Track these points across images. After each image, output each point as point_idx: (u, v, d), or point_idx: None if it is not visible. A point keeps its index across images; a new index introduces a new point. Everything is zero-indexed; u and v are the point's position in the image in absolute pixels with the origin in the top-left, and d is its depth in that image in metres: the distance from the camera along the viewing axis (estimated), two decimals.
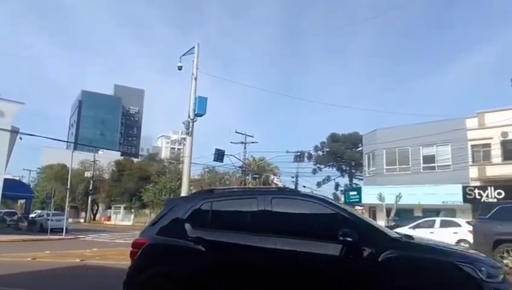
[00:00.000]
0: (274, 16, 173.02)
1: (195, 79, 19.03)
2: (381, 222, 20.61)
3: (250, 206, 4.51)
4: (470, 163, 25.56)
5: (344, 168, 55.49)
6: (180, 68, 19.17)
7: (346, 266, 4.00)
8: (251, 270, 4.26)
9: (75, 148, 58.76)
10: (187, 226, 4.59)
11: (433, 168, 27.31)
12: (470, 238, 13.86)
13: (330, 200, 4.81)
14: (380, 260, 3.86)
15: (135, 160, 62.22)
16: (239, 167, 41.52)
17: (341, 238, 3.93)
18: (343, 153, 52.22)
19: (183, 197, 5.25)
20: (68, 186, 28.59)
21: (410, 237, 4.48)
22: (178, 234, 4.57)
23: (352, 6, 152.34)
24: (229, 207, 4.75)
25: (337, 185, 57.84)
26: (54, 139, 73.27)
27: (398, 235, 4.29)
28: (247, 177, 41.37)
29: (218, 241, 4.41)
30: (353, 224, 4.12)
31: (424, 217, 20.80)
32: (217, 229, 4.52)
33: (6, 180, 23.12)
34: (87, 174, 56.09)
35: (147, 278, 4.47)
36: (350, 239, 3.92)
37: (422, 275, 3.79)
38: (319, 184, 55.58)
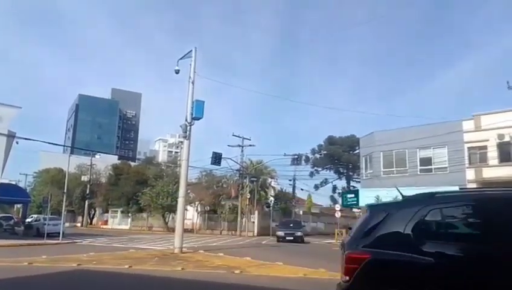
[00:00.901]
0: (272, 20, 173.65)
1: (193, 83, 19.07)
2: None
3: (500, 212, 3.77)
4: (467, 165, 25.67)
5: (341, 171, 55.66)
6: (177, 72, 19.17)
7: None
8: None
9: (72, 152, 58.65)
10: (415, 238, 3.84)
11: (430, 170, 27.41)
12: None
13: None
14: None
15: (132, 164, 62.00)
16: (236, 170, 41.60)
17: None
18: (341, 155, 52.39)
19: (396, 202, 4.53)
20: (65, 191, 28.33)
21: None
22: (404, 247, 3.81)
23: (351, 10, 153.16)
24: (469, 215, 3.99)
25: (334, 188, 58.06)
26: (51, 144, 73.46)
27: None
28: (245, 180, 41.41)
29: (467, 257, 3.65)
30: None
31: None
32: (456, 241, 3.81)
33: (2, 185, 23.06)
34: (84, 178, 55.89)
35: None
36: None
37: None
38: (316, 187, 55.75)
